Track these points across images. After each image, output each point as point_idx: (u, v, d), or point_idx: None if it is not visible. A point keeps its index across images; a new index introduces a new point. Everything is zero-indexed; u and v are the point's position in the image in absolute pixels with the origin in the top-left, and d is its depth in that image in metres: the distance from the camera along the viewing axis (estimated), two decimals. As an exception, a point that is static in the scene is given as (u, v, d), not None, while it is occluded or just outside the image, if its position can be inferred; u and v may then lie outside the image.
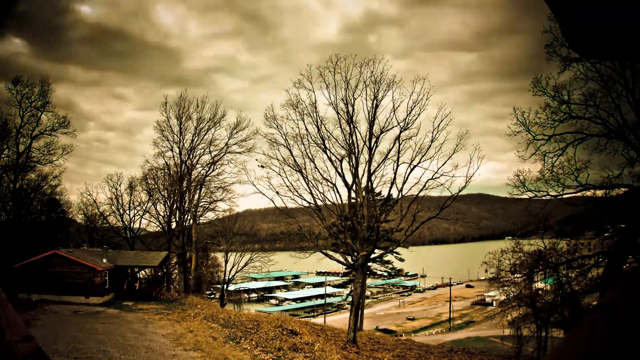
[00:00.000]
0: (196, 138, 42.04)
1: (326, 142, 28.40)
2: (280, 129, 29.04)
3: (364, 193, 28.42)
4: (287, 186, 28.89)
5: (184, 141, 42.08)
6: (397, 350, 26.57)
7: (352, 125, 27.90)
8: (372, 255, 29.21)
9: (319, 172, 28.76)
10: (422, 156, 26.77)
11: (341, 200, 29.07)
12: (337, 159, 28.48)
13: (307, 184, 28.67)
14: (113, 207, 45.97)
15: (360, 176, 28.24)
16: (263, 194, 29.70)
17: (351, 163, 28.16)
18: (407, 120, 26.88)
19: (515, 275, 32.24)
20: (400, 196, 27.71)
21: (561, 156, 25.35)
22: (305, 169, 28.77)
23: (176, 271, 45.00)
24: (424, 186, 27.22)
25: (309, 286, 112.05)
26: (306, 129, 28.55)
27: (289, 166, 28.93)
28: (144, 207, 45.74)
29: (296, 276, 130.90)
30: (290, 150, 28.94)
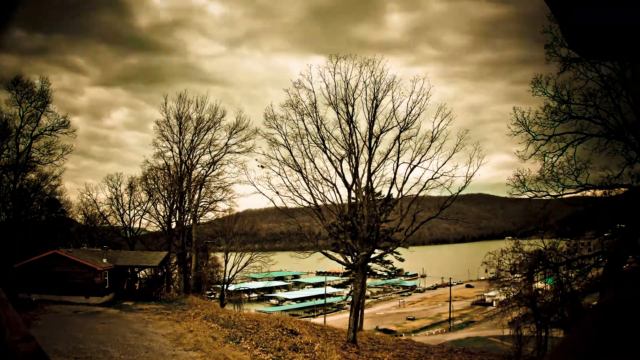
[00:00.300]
0: (196, 138, 42.10)
1: (326, 142, 28.45)
2: (280, 129, 29.11)
3: (364, 193, 28.42)
4: (287, 186, 28.95)
5: (184, 141, 42.13)
6: (397, 350, 26.57)
7: (352, 125, 27.94)
8: (372, 255, 29.24)
9: (319, 172, 28.81)
10: (422, 156, 26.84)
11: (341, 200, 29.09)
12: (337, 159, 28.52)
13: (307, 184, 28.71)
14: (113, 207, 46.03)
15: (360, 176, 28.26)
16: (263, 194, 29.78)
17: (351, 163, 28.17)
18: (407, 120, 26.94)
19: (515, 275, 32.21)
20: (400, 196, 27.72)
21: (561, 156, 25.38)
22: (305, 169, 28.83)
23: (176, 271, 45.00)
24: (424, 186, 27.29)
25: (309, 286, 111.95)
26: (306, 129, 28.61)
27: (289, 166, 28.97)
28: (144, 207, 45.77)
29: (296, 276, 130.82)
30: (290, 150, 28.99)
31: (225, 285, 43.03)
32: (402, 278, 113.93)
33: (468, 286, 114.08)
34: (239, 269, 42.09)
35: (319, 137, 28.40)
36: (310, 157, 28.79)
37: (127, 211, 46.01)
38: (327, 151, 28.46)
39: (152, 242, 47.60)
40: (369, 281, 76.16)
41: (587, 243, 28.13)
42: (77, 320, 22.13)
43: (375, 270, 55.69)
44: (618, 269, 22.12)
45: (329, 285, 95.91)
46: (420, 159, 26.82)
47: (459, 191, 26.92)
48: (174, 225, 43.72)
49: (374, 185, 29.15)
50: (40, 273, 27.20)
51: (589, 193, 25.23)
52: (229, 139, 41.48)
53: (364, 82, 27.37)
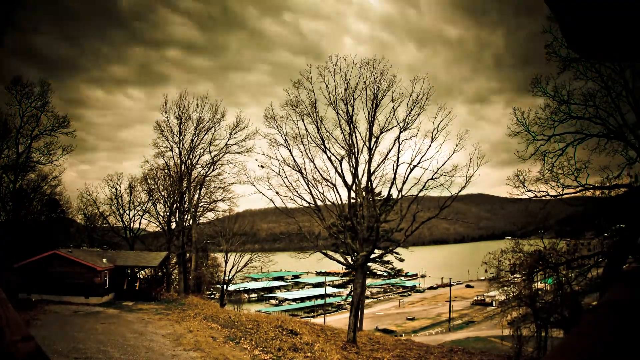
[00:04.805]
0: (196, 138, 42.09)
1: (326, 142, 28.43)
2: (280, 129, 29.09)
3: (363, 193, 28.41)
4: (287, 186, 28.93)
5: (184, 141, 42.11)
6: (396, 351, 26.56)
7: (351, 125, 27.92)
8: (372, 256, 29.20)
9: (319, 172, 28.79)
10: (422, 156, 26.83)
11: (341, 200, 29.08)
12: (337, 159, 28.50)
13: (307, 184, 28.69)
14: (113, 207, 46.06)
15: (360, 176, 28.25)
16: (263, 194, 29.75)
17: (351, 163, 28.15)
18: (406, 120, 26.93)
19: (515, 275, 32.20)
20: (400, 196, 27.71)
21: (561, 156, 25.39)
22: (305, 169, 28.82)
23: (176, 271, 45.00)
24: (424, 186, 27.27)
25: (309, 286, 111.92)
26: (306, 129, 28.59)
27: (289, 166, 28.96)
28: (143, 207, 45.81)
29: (296, 276, 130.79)
30: (290, 151, 28.98)
31: (225, 286, 43.02)
32: (402, 278, 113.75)
33: (468, 286, 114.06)
34: (238, 269, 42.07)
35: (318, 137, 28.41)
36: (310, 157, 28.81)
37: (127, 211, 46.09)
38: (327, 151, 28.48)
39: (152, 242, 47.63)
40: (369, 281, 76.11)
41: (587, 243, 28.09)
42: (77, 320, 22.12)
43: (375, 271, 55.65)
44: (618, 269, 22.12)
45: (329, 285, 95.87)
46: (420, 159, 26.86)
47: (459, 191, 26.94)
48: (173, 225, 43.73)
49: (374, 185, 29.15)
50: (40, 273, 27.19)
51: (589, 193, 25.24)
52: (229, 139, 41.55)
53: (364, 82, 27.40)
